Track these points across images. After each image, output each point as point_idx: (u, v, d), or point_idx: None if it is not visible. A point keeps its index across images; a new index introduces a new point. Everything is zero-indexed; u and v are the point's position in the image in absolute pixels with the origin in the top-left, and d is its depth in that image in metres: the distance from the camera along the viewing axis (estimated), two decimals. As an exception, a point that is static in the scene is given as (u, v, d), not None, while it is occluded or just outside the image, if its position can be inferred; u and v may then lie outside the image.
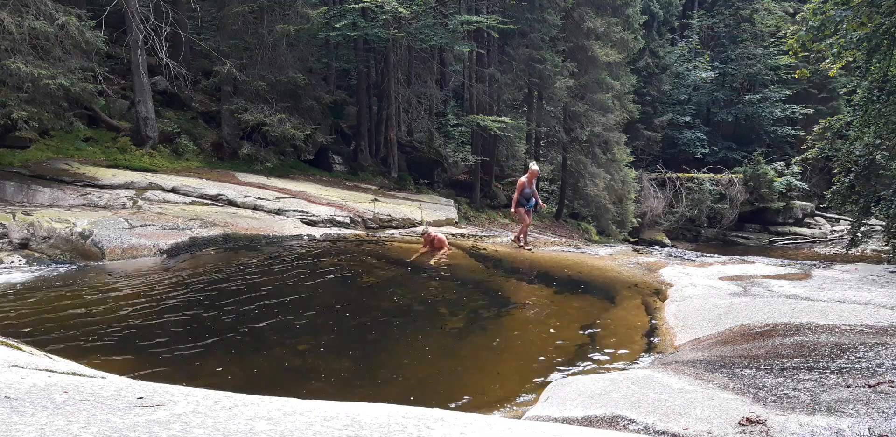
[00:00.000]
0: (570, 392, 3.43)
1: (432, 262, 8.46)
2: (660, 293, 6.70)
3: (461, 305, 6.41)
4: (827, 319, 4.84)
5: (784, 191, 28.13)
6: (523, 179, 9.61)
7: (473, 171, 19.97)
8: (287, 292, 6.65)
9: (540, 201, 10.01)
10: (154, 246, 8.58)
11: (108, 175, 11.60)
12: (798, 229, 28.48)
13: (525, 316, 5.98)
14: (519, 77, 18.36)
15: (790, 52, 10.85)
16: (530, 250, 9.66)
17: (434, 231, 9.25)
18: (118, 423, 1.87)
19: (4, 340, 3.69)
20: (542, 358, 4.73)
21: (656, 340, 5.18)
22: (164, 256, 8.49)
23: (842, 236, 26.24)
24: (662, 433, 2.75)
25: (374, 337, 5.28)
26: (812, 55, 12.05)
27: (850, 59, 10.73)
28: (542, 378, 4.21)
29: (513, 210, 9.81)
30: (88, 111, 13.30)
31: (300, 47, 15.73)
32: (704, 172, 29.00)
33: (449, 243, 9.19)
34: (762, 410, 2.89)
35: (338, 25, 15.06)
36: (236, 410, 2.18)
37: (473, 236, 11.78)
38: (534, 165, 9.82)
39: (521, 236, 10.05)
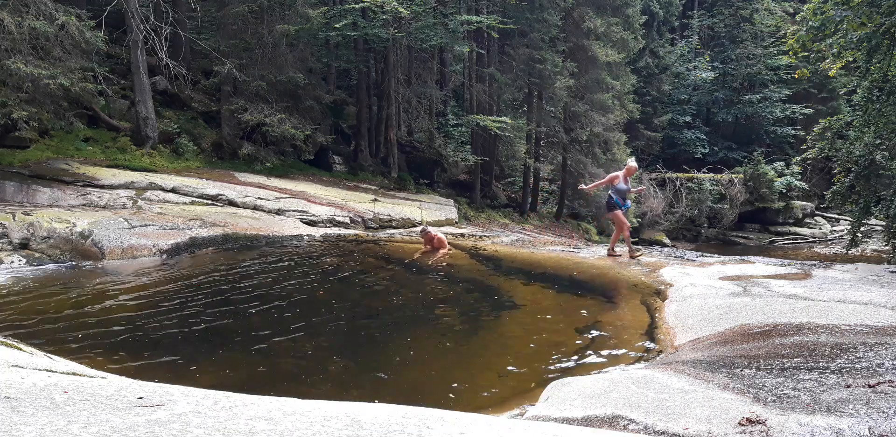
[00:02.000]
0: (570, 392, 3.43)
1: (432, 262, 8.46)
2: (660, 293, 6.69)
3: (461, 305, 6.41)
4: (827, 319, 4.84)
5: (784, 191, 28.12)
6: (618, 173, 8.69)
7: (473, 171, 19.97)
8: (287, 292, 6.65)
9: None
10: (154, 246, 8.58)
11: (108, 175, 11.60)
12: (798, 229, 28.48)
13: (525, 316, 5.98)
14: (519, 77, 18.36)
15: (790, 52, 10.84)
16: (639, 257, 8.59)
17: (433, 230, 9.24)
18: (118, 423, 1.87)
19: (4, 340, 3.69)
20: (541, 358, 4.73)
21: (656, 340, 5.18)
22: (164, 256, 8.49)
23: (842, 236, 26.24)
24: (662, 433, 2.75)
25: (374, 337, 5.28)
26: (812, 55, 12.05)
27: (850, 59, 10.72)
28: (542, 378, 4.21)
29: (610, 213, 8.75)
30: (88, 111, 13.30)
31: (300, 47, 15.73)
32: (704, 172, 29.00)
33: (449, 243, 9.19)
34: (762, 410, 2.89)
35: (338, 25, 15.05)
36: (236, 410, 2.18)
37: (473, 236, 11.78)
38: (632, 161, 8.68)
39: (627, 242, 8.94)
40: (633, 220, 23.10)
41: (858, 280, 6.91)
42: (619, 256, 8.75)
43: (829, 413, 2.78)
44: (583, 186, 9.15)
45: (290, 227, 10.72)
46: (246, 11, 14.39)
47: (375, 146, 18.99)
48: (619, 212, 8.69)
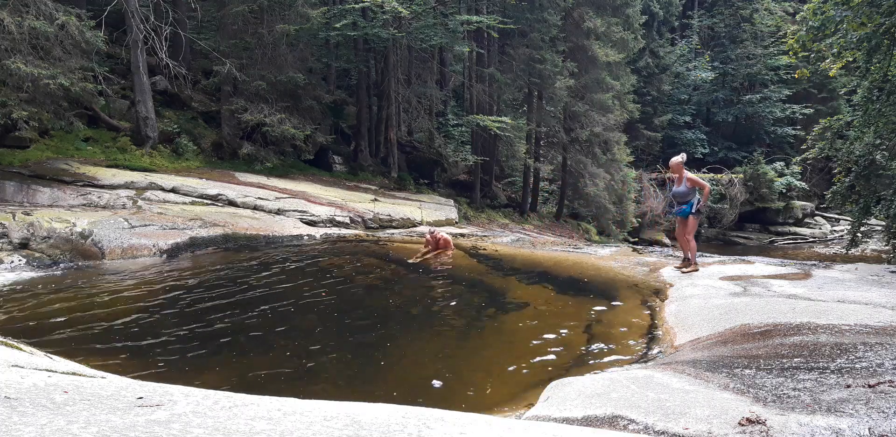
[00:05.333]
0: (570, 392, 3.43)
1: (432, 262, 8.46)
2: (660, 293, 6.69)
3: (461, 305, 6.41)
4: (827, 319, 4.84)
5: (784, 191, 28.15)
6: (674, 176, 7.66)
7: (473, 171, 19.97)
8: (287, 292, 6.64)
9: (696, 206, 7.39)
10: (154, 246, 8.58)
11: (108, 175, 11.60)
12: (798, 229, 28.49)
13: (525, 316, 5.97)
14: (519, 77, 18.35)
15: (790, 53, 10.84)
16: (686, 271, 7.50)
17: (439, 232, 9.24)
18: (118, 423, 1.87)
19: (4, 340, 3.69)
20: (541, 358, 4.73)
21: (656, 340, 5.18)
22: (164, 256, 8.49)
23: (842, 236, 26.25)
24: (662, 433, 2.75)
25: (374, 337, 5.28)
26: (812, 55, 12.05)
27: (850, 59, 10.72)
28: (542, 378, 4.21)
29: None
30: (88, 111, 13.29)
31: (300, 47, 15.73)
32: (704, 172, 29.00)
33: (449, 243, 9.19)
34: (762, 410, 2.89)
35: (338, 25, 15.06)
36: (236, 410, 2.18)
37: (474, 236, 11.79)
38: (676, 158, 7.47)
39: (684, 252, 7.90)
40: (633, 220, 23.07)
41: (858, 280, 6.90)
42: (695, 270, 7.57)
43: (829, 413, 2.78)
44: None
45: (290, 227, 10.72)
46: (246, 11, 14.39)
47: (375, 146, 18.99)
48: (689, 218, 7.59)
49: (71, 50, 11.15)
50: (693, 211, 7.48)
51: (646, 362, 4.61)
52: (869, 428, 2.56)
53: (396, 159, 18.10)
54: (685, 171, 7.56)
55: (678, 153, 8.06)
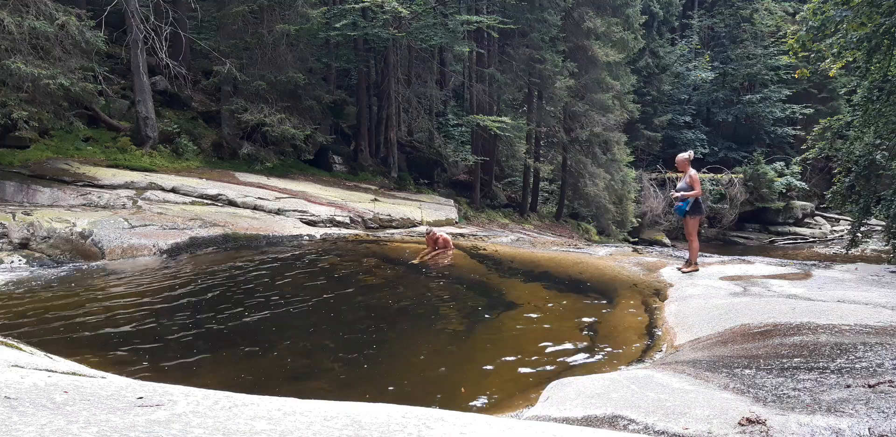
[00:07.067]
0: (570, 392, 3.43)
1: (432, 262, 8.46)
2: (660, 293, 6.69)
3: (461, 305, 6.41)
4: (827, 319, 4.83)
5: (784, 191, 28.14)
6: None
7: (473, 171, 19.97)
8: (287, 292, 6.65)
9: (689, 206, 7.25)
10: (154, 246, 8.58)
11: (108, 175, 11.60)
12: (798, 229, 28.49)
13: (525, 316, 5.97)
14: (519, 77, 18.36)
15: (790, 52, 10.84)
16: (686, 271, 7.40)
17: (438, 231, 9.24)
18: (118, 423, 1.87)
19: (4, 340, 3.69)
20: (541, 358, 4.73)
21: (656, 340, 5.18)
22: (165, 256, 8.49)
23: (842, 236, 26.25)
24: (662, 433, 2.75)
25: (374, 337, 5.28)
26: (812, 55, 12.03)
27: (850, 59, 10.71)
28: (542, 378, 4.21)
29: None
30: (88, 111, 13.30)
31: (300, 47, 15.73)
32: (704, 172, 29.01)
33: (449, 243, 9.18)
34: (762, 410, 2.89)
35: (338, 25, 15.06)
36: (236, 410, 2.18)
37: (473, 235, 11.78)
38: (682, 154, 7.45)
39: (689, 253, 7.64)
40: (633, 220, 23.06)
41: (858, 280, 6.90)
42: (696, 270, 7.44)
43: (829, 413, 2.78)
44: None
45: (290, 227, 10.72)
46: (246, 11, 14.39)
47: (375, 146, 19.00)
48: (686, 218, 7.47)
49: (71, 50, 11.15)
50: (688, 209, 7.37)
51: (646, 362, 4.61)
52: (869, 428, 2.56)
53: (396, 159, 18.11)
54: (690, 169, 7.49)
55: (679, 153, 8.03)
